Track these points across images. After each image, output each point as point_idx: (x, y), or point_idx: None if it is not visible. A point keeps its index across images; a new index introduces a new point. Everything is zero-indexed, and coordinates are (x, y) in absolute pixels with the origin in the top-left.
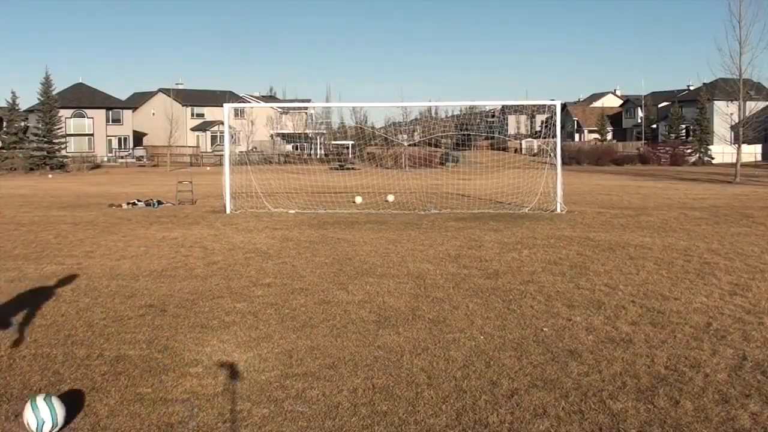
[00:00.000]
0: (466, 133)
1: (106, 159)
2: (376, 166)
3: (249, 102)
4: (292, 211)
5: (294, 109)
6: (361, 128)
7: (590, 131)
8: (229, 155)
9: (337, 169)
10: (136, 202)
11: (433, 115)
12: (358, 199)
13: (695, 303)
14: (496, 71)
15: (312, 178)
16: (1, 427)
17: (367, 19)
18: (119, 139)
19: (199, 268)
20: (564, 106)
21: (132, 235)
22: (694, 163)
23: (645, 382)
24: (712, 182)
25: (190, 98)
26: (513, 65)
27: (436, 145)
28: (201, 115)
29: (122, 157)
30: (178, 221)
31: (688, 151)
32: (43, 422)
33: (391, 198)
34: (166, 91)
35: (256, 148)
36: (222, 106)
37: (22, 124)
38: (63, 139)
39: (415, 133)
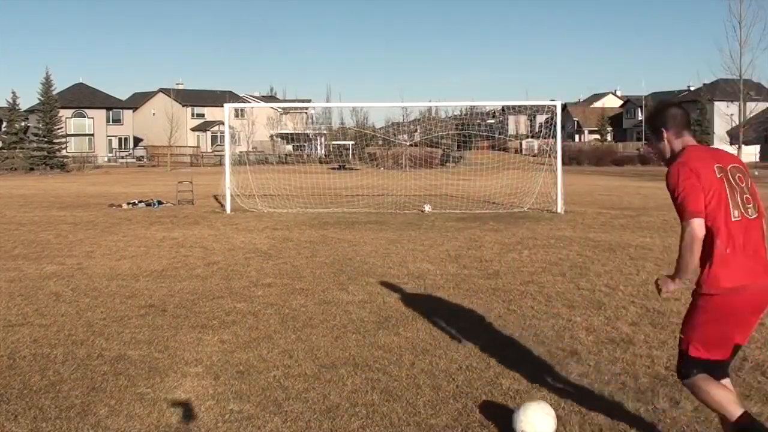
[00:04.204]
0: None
1: (106, 159)
2: (377, 166)
3: (249, 102)
4: (293, 211)
5: (294, 109)
6: (361, 129)
7: (590, 132)
8: (229, 155)
9: (337, 169)
10: (137, 202)
11: (433, 115)
12: (427, 208)
13: None
14: (496, 71)
15: (312, 178)
16: (1, 427)
17: (367, 19)
18: (119, 139)
19: (200, 268)
20: (564, 107)
21: (132, 235)
22: None
23: (645, 383)
24: None
25: (190, 98)
26: (513, 65)
27: (436, 146)
28: (201, 115)
29: (122, 157)
30: (179, 221)
31: None
32: None
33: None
34: (166, 91)
35: (256, 148)
36: (222, 106)
37: (23, 124)
38: (63, 139)
39: (416, 134)
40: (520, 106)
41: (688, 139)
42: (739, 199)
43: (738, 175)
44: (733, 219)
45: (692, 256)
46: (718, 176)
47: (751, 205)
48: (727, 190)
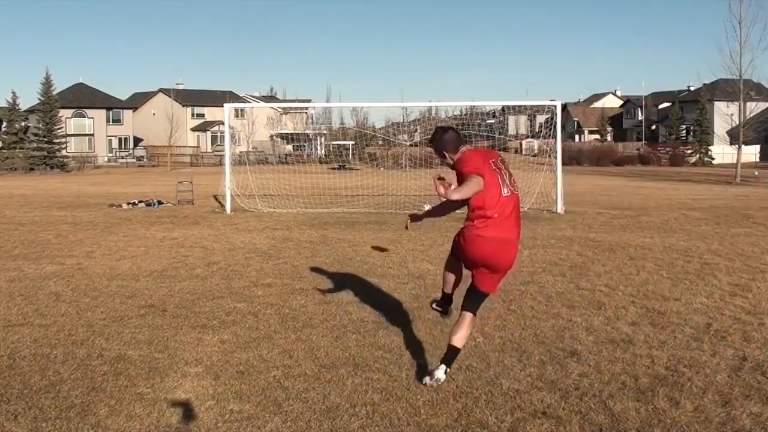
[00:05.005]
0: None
1: (106, 159)
2: (377, 166)
3: (249, 102)
4: (293, 211)
5: (294, 109)
6: (361, 129)
7: (590, 132)
8: (229, 155)
9: (337, 169)
10: (137, 202)
11: (433, 115)
12: (427, 208)
13: (695, 304)
14: (496, 71)
15: (312, 178)
16: (1, 427)
17: (367, 19)
18: (119, 139)
19: (200, 268)
20: (564, 107)
21: (132, 235)
22: (694, 164)
23: (645, 383)
24: (712, 183)
25: (190, 98)
26: (513, 65)
27: None
28: (201, 115)
29: (122, 157)
30: (179, 221)
31: (689, 151)
32: None
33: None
34: (166, 91)
35: (256, 148)
36: (222, 106)
37: (23, 124)
38: (63, 139)
39: (416, 134)
40: (520, 106)
41: (464, 148)
42: (507, 180)
43: (502, 165)
44: (503, 195)
45: (471, 191)
46: (493, 168)
47: (515, 186)
48: (499, 176)
